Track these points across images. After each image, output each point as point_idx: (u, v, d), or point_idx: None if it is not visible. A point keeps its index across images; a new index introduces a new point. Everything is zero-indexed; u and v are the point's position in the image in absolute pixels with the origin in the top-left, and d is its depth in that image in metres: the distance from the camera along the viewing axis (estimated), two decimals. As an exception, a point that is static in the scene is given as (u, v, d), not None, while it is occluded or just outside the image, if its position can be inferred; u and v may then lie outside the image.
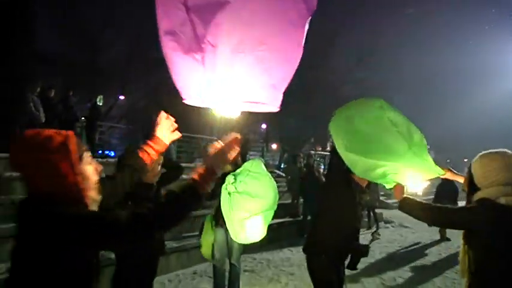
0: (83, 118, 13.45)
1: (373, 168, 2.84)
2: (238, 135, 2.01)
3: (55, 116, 11.48)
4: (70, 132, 1.77)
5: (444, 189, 11.37)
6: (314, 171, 12.22)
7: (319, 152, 24.45)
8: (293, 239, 10.63)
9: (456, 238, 11.18)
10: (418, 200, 2.77)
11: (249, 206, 3.77)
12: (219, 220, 5.30)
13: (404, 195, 2.84)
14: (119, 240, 1.70)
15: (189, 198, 1.76)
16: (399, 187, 2.86)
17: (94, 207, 1.77)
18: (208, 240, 5.48)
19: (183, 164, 12.85)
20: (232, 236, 4.28)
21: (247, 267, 7.75)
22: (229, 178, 4.03)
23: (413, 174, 2.81)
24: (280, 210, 11.77)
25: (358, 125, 2.91)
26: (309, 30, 2.12)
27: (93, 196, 1.78)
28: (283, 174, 15.89)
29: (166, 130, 2.45)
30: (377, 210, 13.38)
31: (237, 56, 1.86)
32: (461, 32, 49.44)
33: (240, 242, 4.44)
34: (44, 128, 1.79)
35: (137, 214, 1.65)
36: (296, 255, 8.93)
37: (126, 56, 26.94)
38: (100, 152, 16.33)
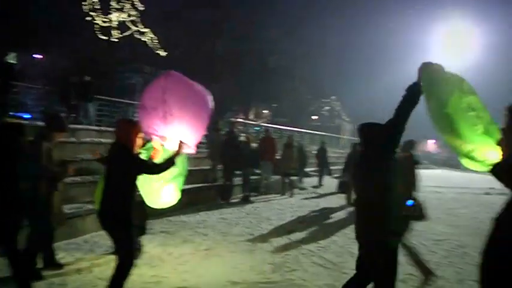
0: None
1: (459, 146, 3.16)
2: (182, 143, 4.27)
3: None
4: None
5: (354, 157, 12.25)
6: (236, 138, 12.57)
7: (242, 120, 24.83)
8: (210, 203, 11.04)
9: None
10: None
11: (163, 174, 4.23)
12: None
13: None
14: (145, 169, 4.05)
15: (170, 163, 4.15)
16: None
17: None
18: None
19: (103, 128, 12.70)
20: (148, 203, 4.64)
21: (163, 228, 8.02)
22: (143, 152, 4.39)
23: (490, 151, 3.04)
24: (199, 176, 12.16)
25: (442, 107, 3.24)
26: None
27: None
28: (204, 141, 16.08)
29: None
30: (292, 178, 14.09)
31: (181, 125, 4.29)
32: (387, 12, 51.99)
33: (157, 207, 4.77)
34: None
35: (153, 163, 4.17)
36: (211, 217, 9.33)
37: (47, 13, 25.45)
38: (12, 113, 15.46)
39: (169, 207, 4.85)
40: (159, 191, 4.51)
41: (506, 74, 49.54)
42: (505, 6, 54.82)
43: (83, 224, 7.24)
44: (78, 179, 8.01)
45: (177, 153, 4.19)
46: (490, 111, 3.26)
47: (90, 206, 7.40)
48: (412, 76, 3.73)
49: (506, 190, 2.70)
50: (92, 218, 7.37)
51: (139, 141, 4.12)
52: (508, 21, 53.04)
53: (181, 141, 4.25)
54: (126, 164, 3.97)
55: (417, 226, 9.63)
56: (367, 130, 3.76)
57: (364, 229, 3.66)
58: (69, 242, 6.68)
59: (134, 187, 4.08)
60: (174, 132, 4.32)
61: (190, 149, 4.45)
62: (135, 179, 4.04)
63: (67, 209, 7.00)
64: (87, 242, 6.87)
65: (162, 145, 4.42)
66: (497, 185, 2.97)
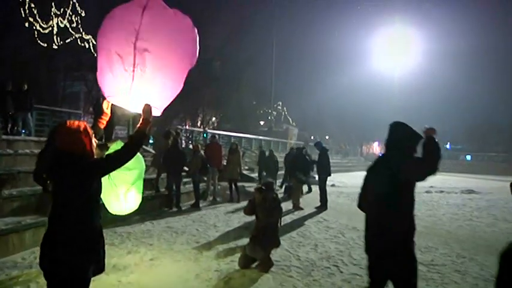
0: None
1: None
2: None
3: None
4: (87, 124, 3.16)
5: (298, 161, 12.64)
6: (179, 146, 12.46)
7: (188, 128, 24.73)
8: (155, 212, 10.89)
9: (308, 208, 12.34)
10: None
11: (127, 178, 4.15)
12: None
13: None
14: (116, 165, 3.11)
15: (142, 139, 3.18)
16: None
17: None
18: None
19: (43, 139, 12.28)
20: (112, 211, 4.48)
21: (107, 240, 7.73)
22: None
23: None
24: (145, 184, 11.91)
25: None
26: (179, 8, 3.25)
27: (94, 154, 3.15)
28: (149, 149, 15.88)
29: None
30: (239, 184, 14.14)
31: (153, 80, 3.12)
32: (331, 20, 54.03)
33: (121, 214, 4.62)
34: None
35: (119, 152, 3.10)
36: (156, 227, 9.20)
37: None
38: None
39: (118, 216, 4.69)
40: (126, 196, 4.35)
41: (445, 78, 52.43)
42: (445, 13, 58.22)
43: (20, 240, 6.92)
44: (14, 192, 7.71)
45: (146, 122, 3.10)
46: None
47: (28, 221, 7.12)
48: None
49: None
50: (31, 232, 7.08)
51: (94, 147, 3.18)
52: (447, 27, 56.34)
53: (147, 105, 3.12)
54: (90, 177, 3.02)
55: (360, 225, 9.95)
56: (406, 131, 3.68)
57: (386, 234, 3.67)
58: (4, 260, 6.36)
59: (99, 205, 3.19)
60: (140, 91, 3.17)
61: (157, 111, 3.40)
62: (99, 193, 3.18)
63: (3, 224, 6.72)
64: (25, 259, 6.50)
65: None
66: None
